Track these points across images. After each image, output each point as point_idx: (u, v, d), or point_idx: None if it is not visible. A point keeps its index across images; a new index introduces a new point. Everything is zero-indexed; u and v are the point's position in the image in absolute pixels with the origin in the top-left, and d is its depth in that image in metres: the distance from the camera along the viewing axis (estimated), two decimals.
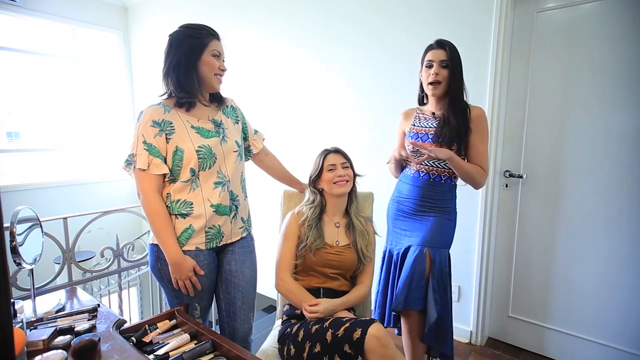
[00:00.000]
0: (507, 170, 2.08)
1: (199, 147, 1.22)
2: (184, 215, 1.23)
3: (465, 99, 1.48)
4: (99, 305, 1.18)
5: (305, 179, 1.54)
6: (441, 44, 1.43)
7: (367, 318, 1.21)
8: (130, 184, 3.21)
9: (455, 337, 2.10)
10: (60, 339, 0.97)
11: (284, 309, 1.44)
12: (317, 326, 1.22)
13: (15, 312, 1.06)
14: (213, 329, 1.55)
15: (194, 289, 1.25)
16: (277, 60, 2.88)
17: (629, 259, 1.77)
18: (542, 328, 2.04)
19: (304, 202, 1.50)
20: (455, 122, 1.42)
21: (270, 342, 1.42)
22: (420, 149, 1.41)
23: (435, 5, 2.10)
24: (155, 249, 1.26)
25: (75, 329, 1.02)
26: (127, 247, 1.95)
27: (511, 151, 2.07)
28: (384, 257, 1.63)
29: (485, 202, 2.06)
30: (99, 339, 0.95)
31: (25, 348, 0.91)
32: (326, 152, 1.45)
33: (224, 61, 1.28)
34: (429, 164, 1.48)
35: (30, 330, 1.00)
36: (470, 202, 2.08)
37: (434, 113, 1.51)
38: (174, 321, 1.13)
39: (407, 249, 1.50)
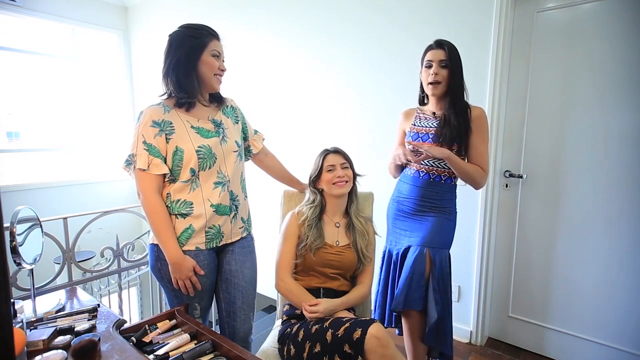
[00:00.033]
0: (507, 170, 2.08)
1: (198, 147, 1.22)
2: (184, 215, 1.23)
3: (465, 99, 1.48)
4: (99, 305, 1.18)
5: (305, 179, 1.54)
6: (440, 44, 1.43)
7: (367, 318, 1.21)
8: (130, 184, 3.21)
9: (455, 337, 2.10)
10: (60, 339, 0.97)
11: (284, 309, 1.44)
12: (317, 326, 1.22)
13: (15, 312, 1.06)
14: (213, 329, 1.55)
15: (194, 288, 1.26)
16: (277, 60, 2.88)
17: (629, 259, 1.77)
18: (542, 328, 2.04)
19: (304, 202, 1.50)
20: (455, 122, 1.42)
21: (270, 342, 1.42)
22: (419, 148, 1.41)
23: (435, 5, 2.10)
24: (155, 248, 1.26)
25: (75, 329, 1.02)
26: (127, 247, 1.95)
27: (511, 151, 2.07)
28: (383, 257, 1.63)
29: (485, 202, 2.06)
30: (99, 339, 0.95)
31: (25, 348, 0.91)
32: (326, 153, 1.45)
33: (223, 61, 1.28)
34: (428, 164, 1.48)
35: (30, 330, 1.00)
36: (470, 202, 2.08)
37: (434, 113, 1.51)
38: (174, 321, 1.13)
39: (407, 249, 1.50)
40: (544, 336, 2.04)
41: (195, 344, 1.00)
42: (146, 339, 1.04)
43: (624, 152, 1.75)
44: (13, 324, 0.88)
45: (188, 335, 1.03)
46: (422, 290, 1.41)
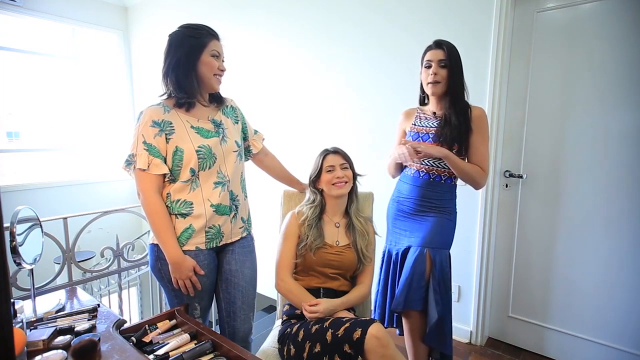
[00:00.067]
0: (507, 170, 2.08)
1: (198, 147, 1.22)
2: (184, 215, 1.23)
3: (466, 98, 1.48)
4: (99, 305, 1.18)
5: (305, 179, 1.54)
6: (439, 44, 1.44)
7: (367, 318, 1.22)
8: (130, 184, 3.21)
9: (455, 337, 2.10)
10: (60, 339, 0.97)
11: (284, 309, 1.44)
12: (317, 326, 1.22)
13: (15, 312, 1.06)
14: (213, 329, 1.55)
15: (194, 288, 1.26)
16: (277, 60, 2.88)
17: (629, 259, 1.77)
18: (542, 328, 2.04)
19: (304, 202, 1.50)
20: (456, 122, 1.42)
21: (270, 342, 1.42)
22: (416, 148, 1.40)
23: (435, 5, 2.10)
24: (156, 248, 1.26)
25: (75, 329, 1.02)
26: (127, 247, 1.95)
27: (511, 151, 2.07)
28: (383, 256, 1.63)
29: (485, 202, 2.06)
30: (99, 339, 0.95)
31: (25, 348, 0.91)
32: (325, 153, 1.45)
33: (223, 61, 1.28)
34: (428, 164, 1.48)
35: (30, 330, 1.00)
36: (470, 202, 2.08)
37: (434, 113, 1.51)
38: (174, 321, 1.13)
39: (407, 250, 1.50)
40: (544, 336, 2.04)
41: (195, 344, 1.00)
42: (146, 339, 1.04)
43: (624, 152, 1.75)
44: (13, 324, 0.88)
45: (188, 335, 1.03)
46: (423, 291, 1.41)
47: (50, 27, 3.83)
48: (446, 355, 1.48)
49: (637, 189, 1.73)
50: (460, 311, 2.17)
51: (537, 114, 1.97)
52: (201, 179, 1.24)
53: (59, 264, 1.70)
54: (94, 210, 1.85)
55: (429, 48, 1.47)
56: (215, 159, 1.25)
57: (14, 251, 1.04)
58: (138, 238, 3.26)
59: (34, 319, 1.11)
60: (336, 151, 1.46)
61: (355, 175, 1.48)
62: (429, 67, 1.45)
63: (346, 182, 1.41)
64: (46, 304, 1.23)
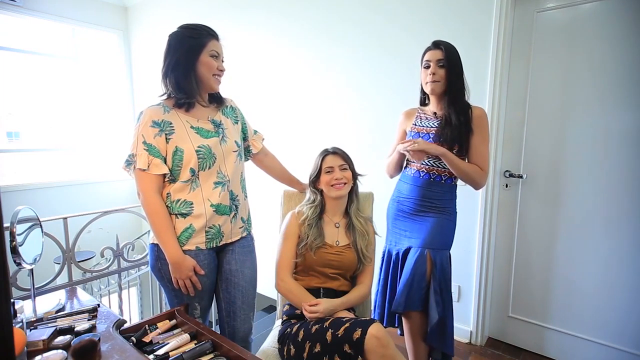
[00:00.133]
0: (507, 170, 2.08)
1: (198, 147, 1.22)
2: (184, 215, 1.23)
3: (466, 98, 1.48)
4: (99, 305, 1.18)
5: (305, 179, 1.54)
6: (437, 45, 1.45)
7: (367, 318, 1.22)
8: (130, 184, 3.21)
9: (455, 337, 2.09)
10: (60, 339, 0.97)
11: (284, 309, 1.44)
12: (317, 326, 1.22)
13: (15, 312, 1.06)
14: (213, 329, 1.55)
15: (194, 288, 1.26)
16: (277, 60, 2.88)
17: (629, 259, 1.77)
18: (542, 328, 2.04)
19: (305, 202, 1.50)
20: (457, 122, 1.42)
21: (270, 342, 1.42)
22: (414, 143, 1.40)
23: (435, 5, 2.10)
24: (156, 248, 1.26)
25: (75, 329, 1.02)
26: (127, 247, 1.95)
27: (511, 151, 2.07)
28: (383, 257, 1.63)
29: (485, 202, 2.06)
30: (99, 339, 0.95)
31: (25, 348, 0.91)
32: (325, 154, 1.45)
33: (223, 61, 1.28)
34: (429, 164, 1.48)
35: (30, 330, 1.00)
36: (470, 202, 2.08)
37: (435, 113, 1.51)
38: (174, 321, 1.13)
39: (407, 250, 1.50)
40: (544, 336, 2.04)
41: (195, 344, 1.00)
42: (146, 339, 1.04)
43: (624, 152, 1.75)
44: (13, 324, 0.88)
45: (188, 335, 1.04)
46: (423, 292, 1.41)
47: (50, 27, 3.83)
48: (447, 355, 1.48)
49: (637, 189, 1.73)
50: (460, 311, 2.17)
51: (537, 114, 1.97)
52: (201, 179, 1.24)
53: (59, 264, 1.70)
54: (94, 210, 1.85)
55: (427, 49, 1.48)
56: (215, 159, 1.25)
57: (14, 251, 1.04)
58: (138, 238, 3.26)
59: (34, 319, 1.11)
60: (335, 152, 1.45)
61: (355, 176, 1.47)
62: (428, 67, 1.45)
63: (345, 184, 1.41)
64: (46, 304, 1.23)
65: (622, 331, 1.81)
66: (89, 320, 1.09)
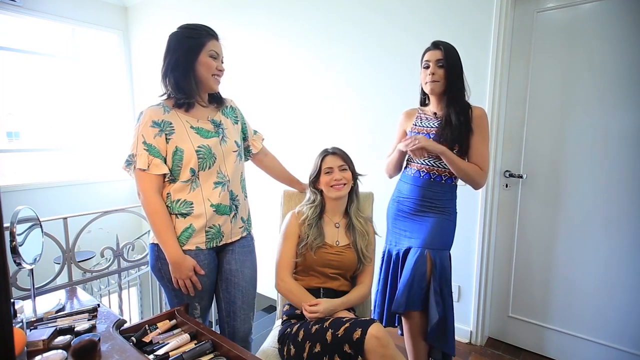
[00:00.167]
0: (507, 170, 2.08)
1: (198, 147, 1.22)
2: (184, 215, 1.23)
3: (467, 98, 1.48)
4: (99, 305, 1.18)
5: (305, 179, 1.54)
6: (436, 45, 1.45)
7: (367, 318, 1.22)
8: (130, 184, 3.21)
9: (455, 337, 2.10)
10: (60, 339, 0.97)
11: (284, 309, 1.44)
12: (317, 326, 1.22)
13: (15, 312, 1.06)
14: (213, 329, 1.55)
15: (194, 288, 1.26)
16: (277, 60, 2.88)
17: (629, 259, 1.77)
18: (542, 328, 2.04)
19: (305, 202, 1.50)
20: (457, 122, 1.42)
21: (270, 342, 1.42)
22: (415, 140, 1.41)
23: (435, 5, 2.10)
24: (156, 248, 1.26)
25: (75, 329, 1.02)
26: (127, 247, 1.95)
27: (511, 151, 2.07)
28: (383, 256, 1.63)
29: (485, 202, 2.06)
30: (99, 339, 0.95)
31: (25, 348, 0.91)
32: (324, 154, 1.45)
33: (222, 62, 1.28)
34: (429, 164, 1.48)
35: (30, 330, 1.00)
36: (470, 202, 2.08)
37: (435, 113, 1.51)
38: (174, 321, 1.13)
39: (407, 250, 1.50)
40: (544, 336, 2.04)
41: (195, 344, 1.00)
42: (146, 339, 1.04)
43: (624, 152, 1.75)
44: (13, 324, 0.88)
45: (188, 335, 1.04)
46: (423, 292, 1.41)
47: (50, 27, 3.83)
48: (448, 355, 1.48)
49: (637, 189, 1.73)
50: (460, 311, 2.17)
51: (537, 114, 1.97)
52: (201, 179, 1.24)
53: (59, 264, 1.70)
54: (94, 210, 1.85)
55: (427, 49, 1.48)
56: (215, 159, 1.25)
57: (14, 251, 1.04)
58: (138, 238, 3.26)
59: (34, 319, 1.11)
60: (335, 152, 1.45)
61: (355, 176, 1.47)
62: (427, 67, 1.46)
63: (344, 184, 1.41)
64: (46, 304, 1.23)
65: (622, 331, 1.81)
66: (89, 320, 1.09)
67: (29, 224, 1.16)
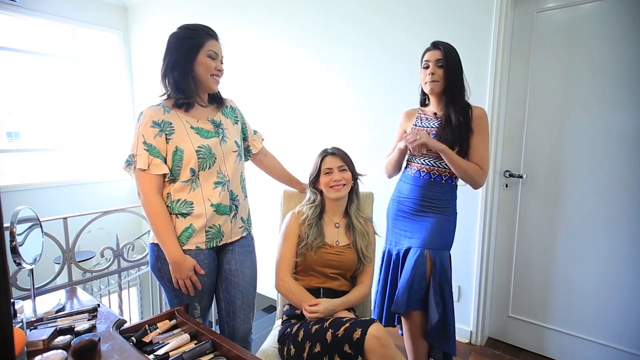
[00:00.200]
0: (507, 170, 2.08)
1: (198, 147, 1.22)
2: (184, 215, 1.23)
3: (467, 98, 1.48)
4: (99, 305, 1.18)
5: (305, 179, 1.54)
6: (436, 45, 1.46)
7: (367, 318, 1.22)
8: (130, 184, 3.21)
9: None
10: (60, 339, 0.97)
11: (284, 309, 1.44)
12: (317, 326, 1.22)
13: (15, 312, 1.06)
14: (213, 329, 1.55)
15: (194, 288, 1.26)
16: (277, 60, 2.88)
17: (629, 259, 1.77)
18: (542, 328, 2.04)
19: (305, 202, 1.50)
20: (457, 122, 1.42)
21: (270, 342, 1.42)
22: (416, 135, 1.41)
23: (435, 5, 2.10)
24: (156, 248, 1.26)
25: (75, 329, 1.02)
26: (127, 247, 1.95)
27: (511, 151, 2.07)
28: (383, 256, 1.63)
29: (485, 202, 2.06)
30: (99, 339, 0.95)
31: (25, 348, 0.91)
32: (324, 154, 1.45)
33: (222, 62, 1.28)
34: (429, 164, 1.48)
35: (30, 330, 1.00)
36: (470, 202, 2.08)
37: (435, 113, 1.51)
38: (174, 321, 1.13)
39: (407, 250, 1.50)
40: (544, 336, 2.04)
41: (195, 344, 1.00)
42: (146, 339, 1.04)
43: (624, 152, 1.75)
44: (13, 324, 0.88)
45: (188, 335, 1.04)
46: (423, 292, 1.41)
47: (50, 27, 3.83)
48: (448, 355, 1.48)
49: (637, 189, 1.73)
50: (460, 311, 2.17)
51: (537, 114, 1.97)
52: (201, 179, 1.24)
53: (59, 264, 1.70)
54: (94, 210, 1.85)
55: (427, 49, 1.49)
56: (215, 159, 1.25)
57: (14, 251, 1.04)
58: (138, 238, 3.26)
59: (34, 319, 1.11)
60: (334, 153, 1.44)
61: (355, 176, 1.47)
62: (427, 67, 1.46)
63: (344, 185, 1.41)
64: (46, 304, 1.23)
65: (622, 331, 1.81)
66: (89, 320, 1.09)
67: (29, 224, 1.16)
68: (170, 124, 1.21)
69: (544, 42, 1.91)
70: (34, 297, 1.17)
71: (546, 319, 2.03)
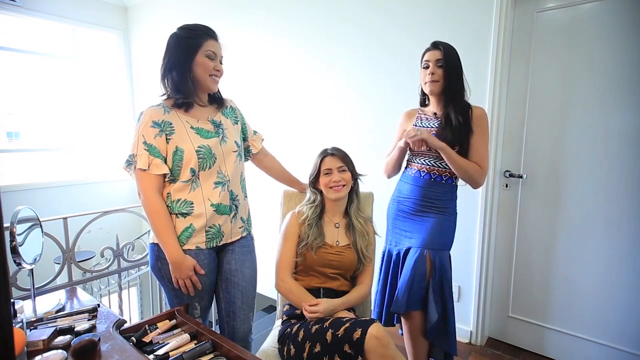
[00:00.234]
0: (507, 170, 2.08)
1: (198, 147, 1.22)
2: (184, 215, 1.23)
3: (467, 98, 1.48)
4: (99, 305, 1.18)
5: (305, 179, 1.54)
6: (436, 45, 1.46)
7: (367, 318, 1.22)
8: (130, 184, 3.21)
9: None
10: (60, 339, 0.97)
11: (284, 309, 1.44)
12: (317, 326, 1.22)
13: (15, 312, 1.06)
14: (213, 329, 1.55)
15: (194, 288, 1.26)
16: (277, 60, 2.88)
17: (629, 259, 1.77)
18: (542, 328, 2.04)
19: (305, 202, 1.50)
20: (457, 122, 1.42)
21: (270, 342, 1.42)
22: (417, 132, 1.41)
23: (435, 5, 2.10)
24: (156, 248, 1.26)
25: (75, 329, 1.02)
26: (127, 247, 1.95)
27: (511, 151, 2.07)
28: (383, 256, 1.63)
29: (485, 202, 2.06)
30: (99, 339, 0.95)
31: (25, 348, 0.91)
32: (324, 155, 1.45)
33: (221, 62, 1.28)
34: (430, 164, 1.48)
35: (30, 330, 1.00)
36: (470, 202, 2.08)
37: (435, 113, 1.51)
38: (174, 321, 1.13)
39: (407, 250, 1.50)
40: (544, 336, 2.04)
41: (195, 344, 1.00)
42: (146, 339, 1.04)
43: (624, 152, 1.75)
44: (13, 324, 0.88)
45: (188, 335, 1.04)
46: (423, 292, 1.41)
47: (50, 27, 3.83)
48: (449, 355, 1.48)
49: (637, 189, 1.73)
50: (460, 311, 2.17)
51: (537, 114, 1.97)
52: (201, 179, 1.24)
53: (59, 264, 1.70)
54: (94, 210, 1.85)
55: (427, 49, 1.49)
56: (215, 159, 1.25)
57: (14, 251, 1.04)
58: (138, 238, 3.26)
59: (34, 319, 1.11)
60: (334, 153, 1.44)
61: (355, 176, 1.47)
62: (427, 67, 1.46)
63: (343, 186, 1.41)
64: (46, 304, 1.23)
65: (622, 331, 1.81)
66: (89, 320, 1.09)
67: (29, 224, 1.16)
68: (171, 124, 1.21)
69: (544, 42, 1.91)
70: (34, 297, 1.17)
71: (546, 319, 2.03)
